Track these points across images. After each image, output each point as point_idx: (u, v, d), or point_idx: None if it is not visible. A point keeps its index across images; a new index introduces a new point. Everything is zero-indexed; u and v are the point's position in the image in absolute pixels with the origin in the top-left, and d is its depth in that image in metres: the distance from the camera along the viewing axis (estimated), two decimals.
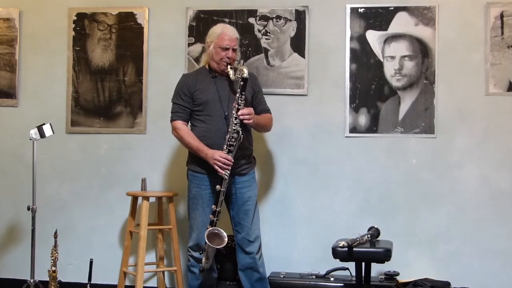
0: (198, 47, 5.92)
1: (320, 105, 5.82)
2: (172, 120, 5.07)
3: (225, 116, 4.90)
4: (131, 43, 5.98)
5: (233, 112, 4.81)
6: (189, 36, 5.92)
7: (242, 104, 4.81)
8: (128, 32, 6.00)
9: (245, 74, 4.78)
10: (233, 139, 4.81)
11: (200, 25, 5.91)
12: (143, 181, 5.79)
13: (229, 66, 4.95)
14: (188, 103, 5.02)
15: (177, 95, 5.08)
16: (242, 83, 4.80)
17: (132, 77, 5.99)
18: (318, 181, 5.79)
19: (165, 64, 5.98)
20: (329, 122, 5.81)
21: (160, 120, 5.83)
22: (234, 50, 5.00)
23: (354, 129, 5.77)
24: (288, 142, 5.84)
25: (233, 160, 4.80)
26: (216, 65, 5.02)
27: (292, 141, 5.85)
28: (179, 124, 5.04)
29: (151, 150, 6.00)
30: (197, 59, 5.91)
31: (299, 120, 5.81)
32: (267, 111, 5.24)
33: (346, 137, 5.79)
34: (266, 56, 5.83)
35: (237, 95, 4.79)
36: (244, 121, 4.80)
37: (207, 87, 5.02)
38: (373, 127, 5.74)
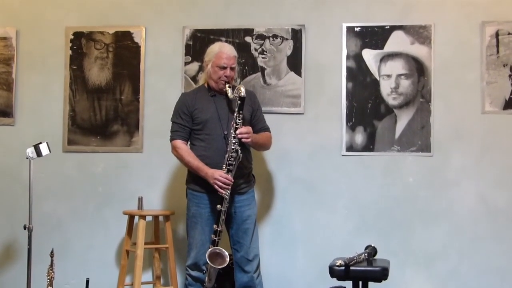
0: (195, 66, 5.91)
1: (316, 123, 5.81)
2: (171, 139, 5.05)
3: (224, 135, 4.89)
4: (128, 62, 5.96)
5: (232, 131, 4.80)
6: (186, 55, 5.91)
7: (240, 123, 4.80)
8: (125, 51, 5.98)
9: (242, 93, 4.76)
10: (232, 158, 4.79)
11: (197, 44, 5.91)
12: (140, 200, 5.75)
13: (227, 85, 4.94)
14: (187, 122, 5.01)
15: (176, 114, 5.06)
16: (239, 102, 4.78)
17: (129, 95, 5.97)
18: (315, 200, 5.77)
19: (162, 83, 5.97)
20: (326, 140, 5.79)
21: (157, 139, 5.80)
22: (232, 68, 4.99)
23: (350, 148, 5.75)
24: (285, 160, 5.82)
25: (233, 180, 4.79)
26: (214, 84, 5.01)
27: (289, 159, 5.83)
28: (179, 143, 5.02)
29: (147, 168, 5.97)
30: (194, 78, 5.89)
31: (296, 138, 5.80)
32: (266, 129, 5.22)
33: (342, 155, 5.77)
34: (263, 75, 5.83)
35: (235, 114, 4.78)
36: (242, 140, 4.79)
37: (206, 106, 5.01)
38: (369, 146, 5.73)
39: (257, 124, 5.16)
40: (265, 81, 5.83)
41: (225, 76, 4.95)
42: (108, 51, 5.99)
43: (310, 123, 5.81)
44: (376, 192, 5.74)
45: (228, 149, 4.82)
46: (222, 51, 4.98)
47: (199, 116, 4.98)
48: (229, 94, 4.86)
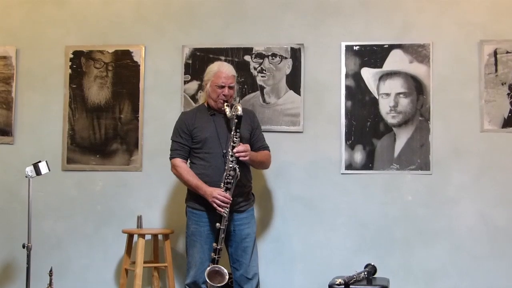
0: (194, 85, 5.90)
1: (316, 142, 5.79)
2: (171, 158, 5.05)
3: (223, 154, 4.88)
4: (127, 80, 5.96)
5: (229, 149, 4.81)
6: (185, 73, 5.90)
7: (237, 141, 4.81)
8: (125, 70, 5.98)
9: (239, 112, 4.77)
10: (230, 177, 4.79)
11: (196, 63, 5.91)
12: (139, 218, 5.74)
13: (225, 104, 4.93)
14: (187, 141, 5.01)
15: (176, 133, 5.07)
16: (236, 120, 4.79)
17: (128, 114, 5.96)
18: (314, 218, 5.74)
19: (161, 102, 5.96)
20: (325, 159, 5.78)
21: (156, 158, 5.81)
22: (230, 87, 4.99)
23: (350, 166, 5.74)
24: (285, 179, 5.80)
25: (231, 198, 4.79)
26: (213, 103, 5.02)
27: (289, 178, 5.81)
28: (178, 161, 5.02)
29: (147, 187, 5.94)
30: (193, 97, 5.90)
31: (295, 157, 5.78)
32: (266, 148, 5.21)
33: (342, 174, 5.76)
34: (262, 94, 5.84)
35: (232, 132, 4.80)
36: (240, 158, 4.79)
37: (205, 125, 5.02)
38: (368, 164, 5.71)
39: (256, 142, 5.15)
40: (264, 100, 5.84)
41: (224, 95, 4.96)
42: (107, 69, 5.98)
43: (309, 142, 5.80)
44: (375, 210, 5.71)
45: (226, 167, 4.81)
46: (221, 71, 4.99)
47: (198, 134, 4.99)
48: (227, 113, 4.87)
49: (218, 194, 4.78)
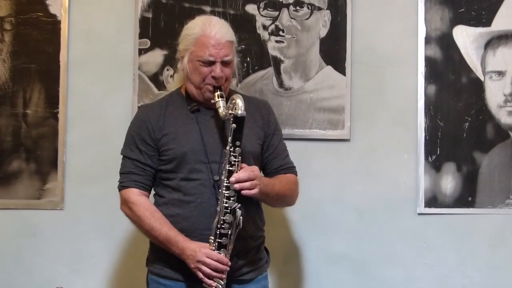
0: (156, 56, 4.52)
1: (372, 157, 4.47)
2: (121, 187, 3.89)
3: (214, 182, 3.74)
4: (38, 49, 4.62)
5: (223, 177, 3.65)
6: (140, 37, 4.54)
7: (237, 162, 3.64)
8: (33, 30, 4.64)
9: (240, 111, 3.61)
10: (227, 225, 3.66)
11: (161, 18, 4.55)
12: None
13: (217, 93, 3.73)
14: (150, 158, 3.85)
15: (129, 144, 3.90)
16: (234, 126, 3.63)
17: (40, 109, 4.65)
18: None
19: (98, 87, 4.61)
20: (389, 187, 4.45)
21: (89, 185, 4.56)
22: (225, 63, 3.78)
23: (433, 201, 4.42)
24: (319, 223, 4.50)
25: (229, 262, 3.69)
26: (195, 91, 3.82)
27: (325, 221, 4.48)
28: (133, 194, 3.83)
29: (72, 237, 4.60)
30: (155, 77, 4.52)
31: (336, 184, 4.46)
32: (289, 169, 3.96)
33: (419, 214, 4.42)
34: (278, 72, 4.46)
35: (227, 146, 3.63)
36: (243, 192, 3.58)
37: (182, 130, 3.85)
38: (467, 197, 4.40)
39: (274, 159, 3.93)
40: (281, 83, 4.46)
41: (214, 78, 3.74)
42: (3, 29, 4.67)
43: (361, 157, 4.50)
44: (478, 277, 4.41)
45: (219, 208, 3.66)
46: (208, 34, 3.76)
47: (170, 147, 3.81)
48: (220, 110, 3.71)
49: (205, 257, 3.64)
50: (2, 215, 4.61)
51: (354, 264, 4.45)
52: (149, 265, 3.91)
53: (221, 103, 3.60)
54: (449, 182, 4.36)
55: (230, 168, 3.56)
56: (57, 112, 4.57)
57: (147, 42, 4.51)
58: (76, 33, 4.61)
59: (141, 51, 4.51)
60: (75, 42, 4.60)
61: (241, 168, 3.60)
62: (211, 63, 3.66)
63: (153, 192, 3.91)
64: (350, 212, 4.49)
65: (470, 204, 4.39)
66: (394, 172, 4.43)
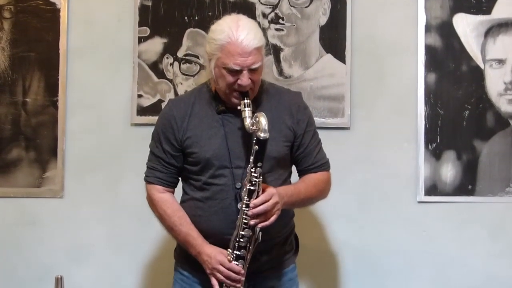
0: (156, 44, 4.51)
1: (372, 145, 4.44)
2: (146, 181, 3.81)
3: (237, 190, 3.60)
4: (37, 37, 4.63)
5: (244, 196, 3.48)
6: (140, 25, 4.52)
7: (258, 182, 3.47)
8: (33, 18, 4.65)
9: (263, 133, 3.43)
10: (246, 238, 3.49)
11: (161, 6, 4.53)
12: (59, 281, 3.91)
13: (244, 102, 3.55)
14: (173, 158, 3.71)
15: (156, 140, 3.80)
16: (256, 147, 3.47)
17: (39, 97, 4.65)
18: (375, 280, 4.48)
19: (98, 75, 4.60)
20: (390, 176, 4.42)
21: (88, 173, 4.56)
22: (253, 71, 3.54)
23: (433, 189, 4.39)
24: (318, 211, 4.47)
25: (242, 271, 3.54)
26: (223, 94, 3.67)
27: (325, 209, 4.43)
28: (157, 191, 3.74)
29: (71, 226, 4.57)
30: (154, 65, 4.53)
31: (336, 172, 4.07)
32: (320, 167, 3.73)
33: (419, 202, 4.39)
34: (277, 60, 4.46)
35: (249, 166, 3.51)
36: (259, 226, 3.51)
37: (207, 134, 3.67)
38: (467, 186, 4.38)
39: (305, 158, 3.76)
40: (281, 71, 4.46)
41: (240, 85, 3.54)
42: (2, 17, 4.68)
43: (361, 146, 4.47)
44: (477, 267, 4.38)
45: (238, 223, 3.45)
46: (233, 41, 3.56)
47: (194, 150, 3.70)
48: (245, 123, 3.52)
49: (219, 264, 3.54)
50: (2, 203, 4.61)
51: (354, 252, 4.42)
52: (177, 262, 3.91)
53: (247, 113, 3.49)
54: (449, 171, 4.35)
55: (251, 188, 3.46)
56: (57, 100, 4.59)
57: (146, 30, 4.51)
58: (76, 21, 4.61)
59: (141, 39, 4.50)
60: (75, 30, 4.61)
61: (262, 190, 3.48)
62: (238, 72, 3.58)
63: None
64: (352, 197, 4.47)
65: (470, 192, 4.39)
66: (394, 160, 4.40)
